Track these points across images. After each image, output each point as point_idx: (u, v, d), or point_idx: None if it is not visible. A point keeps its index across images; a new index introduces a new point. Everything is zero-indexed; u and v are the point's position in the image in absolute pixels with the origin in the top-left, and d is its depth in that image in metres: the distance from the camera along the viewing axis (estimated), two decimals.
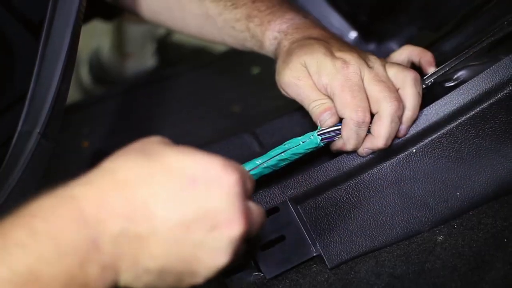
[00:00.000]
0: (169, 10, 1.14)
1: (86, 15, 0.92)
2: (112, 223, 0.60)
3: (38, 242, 0.57)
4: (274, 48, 0.98)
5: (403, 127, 0.88)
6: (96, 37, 2.10)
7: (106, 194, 0.61)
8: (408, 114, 0.87)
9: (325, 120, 0.87)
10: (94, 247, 0.59)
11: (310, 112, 0.89)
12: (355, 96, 0.85)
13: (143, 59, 2.01)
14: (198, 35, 1.13)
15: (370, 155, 0.88)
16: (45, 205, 0.60)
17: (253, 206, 0.67)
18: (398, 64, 0.90)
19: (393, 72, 0.88)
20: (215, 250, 0.64)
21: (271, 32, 0.98)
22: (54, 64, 0.88)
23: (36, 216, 0.59)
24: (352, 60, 0.87)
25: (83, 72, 2.09)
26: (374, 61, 0.89)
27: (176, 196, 0.62)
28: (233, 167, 0.64)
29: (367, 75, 0.86)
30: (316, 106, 0.88)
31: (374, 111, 0.86)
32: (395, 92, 0.86)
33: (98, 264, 0.60)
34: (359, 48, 0.93)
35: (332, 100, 0.87)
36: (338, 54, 0.88)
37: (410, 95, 0.87)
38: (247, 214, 0.64)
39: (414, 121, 0.88)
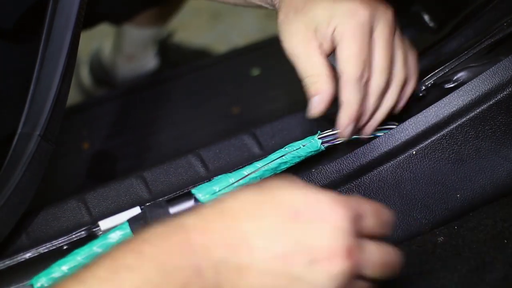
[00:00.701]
0: None
1: (94, 19, 0.92)
2: (215, 251, 0.62)
3: (145, 265, 0.60)
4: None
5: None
6: (97, 38, 2.11)
7: (212, 222, 0.63)
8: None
9: (313, 107, 0.83)
10: (197, 273, 0.61)
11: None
12: (361, 49, 0.81)
13: (144, 61, 2.01)
14: None
15: (370, 157, 0.88)
16: (155, 232, 0.62)
17: (371, 245, 0.64)
18: (407, 42, 0.87)
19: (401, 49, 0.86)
20: (314, 285, 0.62)
21: None
22: (54, 66, 0.88)
23: (145, 241, 0.62)
24: (366, 7, 0.82)
25: (83, 73, 2.09)
26: (389, 12, 0.85)
27: (277, 229, 0.62)
28: (344, 204, 0.63)
29: (379, 28, 0.83)
30: (310, 83, 0.83)
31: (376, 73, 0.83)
32: (403, 60, 0.85)
33: None
34: None
35: (330, 72, 0.83)
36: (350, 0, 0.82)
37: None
38: (354, 251, 0.61)
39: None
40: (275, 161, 0.86)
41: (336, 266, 0.61)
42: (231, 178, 0.83)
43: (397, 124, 0.90)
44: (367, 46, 0.82)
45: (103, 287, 0.59)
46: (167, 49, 2.08)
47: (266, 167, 0.86)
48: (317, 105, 0.83)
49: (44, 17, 0.88)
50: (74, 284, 0.59)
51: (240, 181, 0.84)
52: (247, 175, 0.84)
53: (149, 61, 2.02)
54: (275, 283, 0.62)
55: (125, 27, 1.92)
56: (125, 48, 1.99)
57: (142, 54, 1.99)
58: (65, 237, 0.85)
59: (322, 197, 0.63)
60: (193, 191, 0.82)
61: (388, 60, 0.84)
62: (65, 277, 0.61)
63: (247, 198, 0.64)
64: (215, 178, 0.83)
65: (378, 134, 0.89)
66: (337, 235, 0.61)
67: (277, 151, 0.87)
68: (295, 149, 0.86)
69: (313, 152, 0.87)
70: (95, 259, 0.62)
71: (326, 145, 0.87)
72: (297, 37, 0.84)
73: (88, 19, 0.93)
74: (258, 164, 0.86)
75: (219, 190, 0.82)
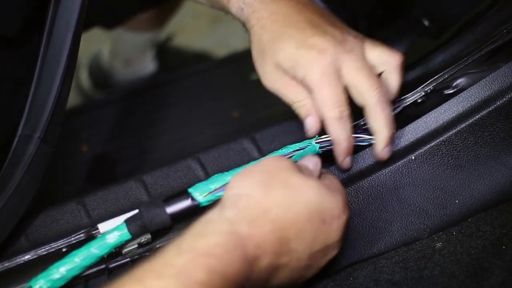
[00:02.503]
0: None
1: (86, 23, 0.92)
2: (264, 259, 0.71)
3: (214, 281, 0.66)
4: (241, 19, 0.93)
5: None
6: (97, 42, 2.11)
7: (266, 235, 0.71)
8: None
9: (309, 129, 0.87)
10: (246, 279, 0.69)
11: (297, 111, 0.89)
12: (332, 92, 0.83)
13: (143, 65, 2.01)
14: None
15: (369, 162, 0.88)
16: (219, 243, 0.69)
17: None
18: (381, 45, 0.88)
19: (376, 54, 0.86)
20: (316, 269, 0.77)
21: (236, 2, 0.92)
22: (54, 68, 0.88)
23: (212, 255, 0.67)
24: (328, 47, 0.83)
25: (83, 77, 2.10)
26: (353, 43, 0.86)
27: (310, 236, 0.73)
28: (348, 205, 0.78)
29: (346, 62, 0.83)
30: (298, 108, 0.87)
31: (358, 102, 0.84)
32: (376, 78, 0.84)
33: None
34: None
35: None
36: (312, 40, 0.84)
37: (394, 81, 0.87)
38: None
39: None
40: None
41: (333, 255, 0.77)
42: (227, 177, 0.83)
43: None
44: (336, 86, 0.84)
45: None
46: (166, 53, 2.08)
47: None
48: (312, 126, 0.87)
49: (44, 20, 0.89)
50: None
51: None
52: None
53: (147, 65, 2.02)
54: (298, 274, 0.75)
55: (121, 32, 1.92)
56: (122, 53, 1.99)
57: (140, 59, 1.99)
58: (64, 239, 0.85)
59: (340, 202, 0.75)
60: (190, 190, 0.82)
61: (361, 90, 0.84)
62: (138, 284, 0.65)
63: (286, 203, 0.73)
64: (212, 177, 0.83)
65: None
66: (343, 231, 0.76)
67: (274, 152, 0.87)
68: (291, 150, 0.86)
69: None
70: (162, 266, 0.66)
71: (323, 149, 0.87)
72: (272, 76, 0.88)
73: None
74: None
75: (216, 189, 0.82)
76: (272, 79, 0.88)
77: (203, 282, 0.65)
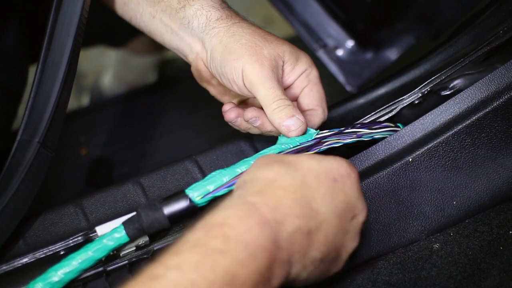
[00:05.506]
0: None
1: (91, 40, 0.92)
2: (288, 223, 0.70)
3: (232, 247, 0.66)
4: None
5: None
6: (99, 67, 2.12)
7: (279, 199, 0.71)
8: None
9: (292, 130, 0.86)
10: (276, 246, 0.68)
11: (268, 115, 0.87)
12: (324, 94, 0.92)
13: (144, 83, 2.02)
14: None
15: (367, 164, 0.88)
16: (229, 214, 0.69)
17: None
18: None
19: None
20: (354, 236, 0.77)
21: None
22: (54, 74, 0.88)
23: (225, 225, 0.68)
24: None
25: (84, 101, 2.11)
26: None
27: (328, 194, 0.74)
28: (352, 164, 0.78)
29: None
30: (282, 105, 0.86)
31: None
32: None
33: (280, 261, 0.69)
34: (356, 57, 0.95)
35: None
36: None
37: None
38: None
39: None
40: None
41: (364, 216, 0.77)
42: (224, 176, 0.82)
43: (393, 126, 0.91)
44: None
45: (199, 271, 0.64)
46: (163, 57, 2.08)
47: None
48: (296, 129, 0.86)
49: (45, 24, 0.89)
50: (170, 271, 0.64)
51: (235, 181, 0.84)
52: (240, 173, 0.84)
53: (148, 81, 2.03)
54: (334, 239, 0.74)
55: (126, 56, 1.93)
56: (126, 77, 1.99)
57: (142, 81, 2.00)
58: (62, 242, 0.85)
59: (342, 162, 0.77)
60: (187, 190, 0.82)
61: None
62: (157, 264, 0.65)
63: (291, 174, 0.73)
64: (208, 176, 0.83)
65: (379, 136, 0.90)
66: (360, 190, 0.77)
67: (271, 147, 0.87)
68: (292, 146, 0.86)
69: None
70: (177, 244, 0.67)
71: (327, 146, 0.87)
72: (271, 63, 0.88)
73: (84, 38, 0.93)
74: (252, 161, 0.85)
75: (213, 190, 0.82)
76: (265, 69, 0.86)
77: (222, 249, 0.65)
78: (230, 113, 0.91)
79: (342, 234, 0.75)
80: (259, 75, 0.86)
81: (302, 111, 0.89)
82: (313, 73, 0.92)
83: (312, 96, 0.91)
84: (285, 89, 0.91)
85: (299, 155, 0.79)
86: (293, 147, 0.85)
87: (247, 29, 0.90)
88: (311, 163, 0.75)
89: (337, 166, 0.76)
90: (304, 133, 0.86)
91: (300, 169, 0.74)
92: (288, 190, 0.72)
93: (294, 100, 0.92)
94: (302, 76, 0.91)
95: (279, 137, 0.87)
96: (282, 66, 0.89)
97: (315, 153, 0.86)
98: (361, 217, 0.77)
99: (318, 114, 0.91)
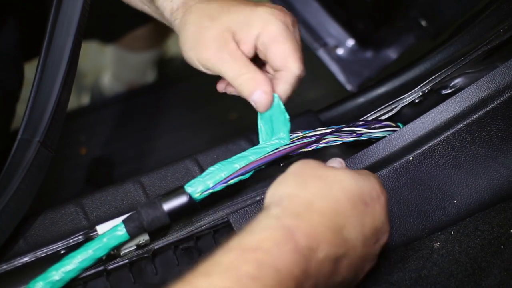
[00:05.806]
0: None
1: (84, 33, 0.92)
2: (319, 250, 0.70)
3: (264, 274, 0.65)
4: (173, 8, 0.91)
5: None
6: (99, 66, 2.12)
7: (315, 225, 0.71)
8: None
9: (259, 103, 0.84)
10: (305, 275, 0.68)
11: (237, 90, 0.85)
12: (297, 47, 0.84)
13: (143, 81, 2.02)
14: None
15: (367, 163, 0.88)
16: (265, 237, 0.69)
17: None
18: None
19: None
20: (374, 258, 0.78)
21: None
22: (54, 73, 0.88)
23: (260, 249, 0.67)
24: (282, 9, 0.86)
25: (84, 100, 2.11)
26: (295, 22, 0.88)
27: (358, 221, 0.74)
28: (383, 186, 0.78)
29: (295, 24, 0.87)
30: (244, 81, 0.84)
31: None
32: None
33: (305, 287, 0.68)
34: (356, 56, 0.94)
35: (258, 66, 0.85)
36: (261, 7, 0.86)
37: None
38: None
39: None
40: (269, 156, 0.86)
41: (387, 238, 0.78)
42: (222, 172, 0.82)
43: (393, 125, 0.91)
44: (298, 45, 0.85)
45: None
46: (163, 56, 2.08)
47: (260, 162, 0.85)
48: (262, 101, 0.84)
49: (45, 24, 0.89)
50: None
51: (233, 176, 0.84)
52: (239, 169, 0.84)
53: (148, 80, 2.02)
54: (356, 264, 0.74)
55: (122, 53, 1.92)
56: (124, 76, 1.99)
57: (141, 80, 1.99)
58: (63, 241, 0.85)
59: (376, 183, 0.77)
60: (186, 186, 0.82)
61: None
62: (185, 284, 0.64)
63: (326, 194, 0.73)
64: (206, 171, 0.83)
65: (378, 136, 0.90)
66: (387, 213, 0.77)
67: (271, 144, 0.86)
68: (287, 143, 0.86)
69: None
70: (208, 265, 0.66)
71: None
72: (219, 43, 0.84)
73: None
74: (251, 157, 0.85)
75: (212, 186, 0.82)
76: (220, 45, 0.84)
77: (254, 275, 0.65)
78: (219, 85, 0.92)
79: (363, 259, 0.76)
80: (209, 59, 0.84)
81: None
82: (270, 30, 0.84)
83: (273, 56, 0.85)
84: (253, 57, 0.86)
85: (337, 169, 0.77)
86: (290, 145, 0.86)
87: (196, 12, 0.87)
88: (347, 183, 0.75)
89: (370, 188, 0.76)
90: (271, 103, 0.84)
91: (336, 191, 0.74)
92: (324, 217, 0.72)
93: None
94: (260, 40, 0.85)
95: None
96: (234, 37, 0.85)
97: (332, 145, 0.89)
98: (383, 240, 0.77)
99: (285, 74, 0.84)
